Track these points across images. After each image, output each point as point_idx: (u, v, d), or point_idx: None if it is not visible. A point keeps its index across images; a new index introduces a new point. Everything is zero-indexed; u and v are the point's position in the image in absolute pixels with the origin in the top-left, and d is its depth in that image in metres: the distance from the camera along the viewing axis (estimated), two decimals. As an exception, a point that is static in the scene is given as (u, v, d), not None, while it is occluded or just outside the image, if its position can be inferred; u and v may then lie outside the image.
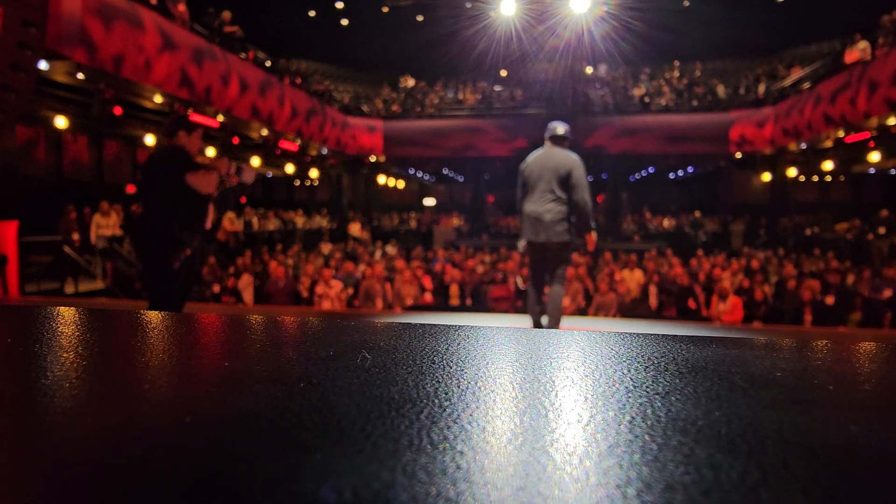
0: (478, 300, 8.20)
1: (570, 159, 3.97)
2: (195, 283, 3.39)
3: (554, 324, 4.06)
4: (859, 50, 10.44)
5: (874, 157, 12.13)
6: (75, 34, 6.70)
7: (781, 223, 15.60)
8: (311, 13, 18.56)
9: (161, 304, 3.14)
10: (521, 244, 4.19)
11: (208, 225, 3.35)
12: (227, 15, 10.55)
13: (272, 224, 14.76)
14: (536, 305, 4.21)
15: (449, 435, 0.45)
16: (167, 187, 3.14)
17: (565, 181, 3.94)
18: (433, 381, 0.60)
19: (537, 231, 3.97)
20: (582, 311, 7.32)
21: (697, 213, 18.40)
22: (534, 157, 4.12)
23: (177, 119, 3.39)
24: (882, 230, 12.67)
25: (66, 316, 0.97)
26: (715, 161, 16.73)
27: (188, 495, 0.36)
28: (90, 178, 10.95)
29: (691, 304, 7.55)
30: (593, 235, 4.11)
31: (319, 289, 7.34)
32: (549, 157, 4.03)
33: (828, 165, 14.07)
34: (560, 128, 4.12)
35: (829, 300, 7.40)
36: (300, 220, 16.37)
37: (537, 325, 4.21)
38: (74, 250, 8.15)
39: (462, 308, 8.04)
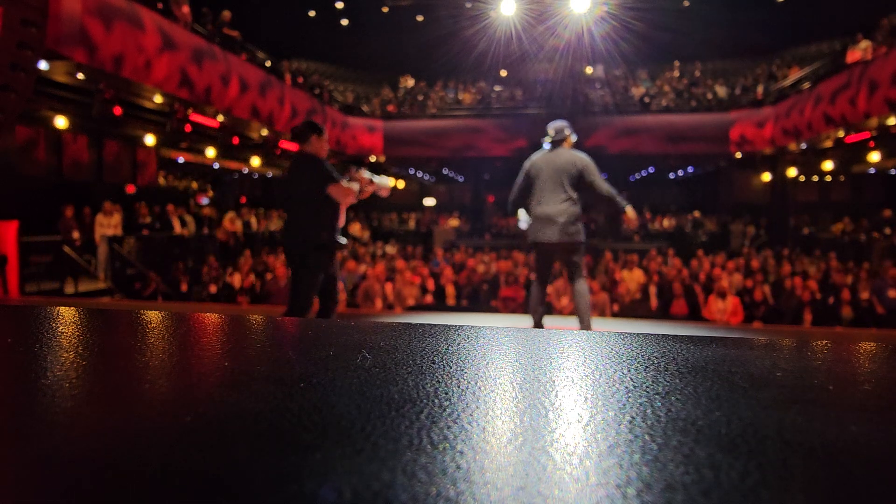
0: (477, 300, 8.19)
1: (579, 157, 3.99)
2: (335, 280, 3.53)
3: (587, 325, 4.02)
4: (861, 49, 10.44)
5: (874, 157, 12.14)
6: (75, 34, 6.70)
7: (782, 223, 15.62)
8: (311, 13, 18.56)
9: (301, 308, 3.24)
10: (524, 223, 4.13)
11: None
12: (226, 15, 10.54)
13: (272, 224, 14.76)
14: (540, 306, 4.19)
15: (449, 435, 0.45)
16: (312, 196, 3.25)
17: (578, 179, 3.94)
18: (433, 381, 0.60)
19: (551, 232, 3.92)
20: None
21: (697, 213, 18.40)
22: (539, 156, 4.10)
23: (308, 124, 3.42)
24: (888, 230, 12.68)
25: (66, 316, 0.97)
26: (715, 161, 16.72)
27: (188, 495, 0.36)
28: (90, 178, 10.95)
29: (683, 306, 7.53)
30: (629, 211, 4.04)
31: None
32: (557, 157, 4.01)
33: (828, 165, 14.07)
34: (552, 129, 4.12)
35: (832, 300, 7.40)
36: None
37: (538, 325, 4.20)
38: (74, 250, 8.15)
39: (463, 308, 8.04)
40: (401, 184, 23.32)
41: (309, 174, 3.28)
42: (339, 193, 3.26)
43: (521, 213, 4.22)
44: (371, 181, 3.43)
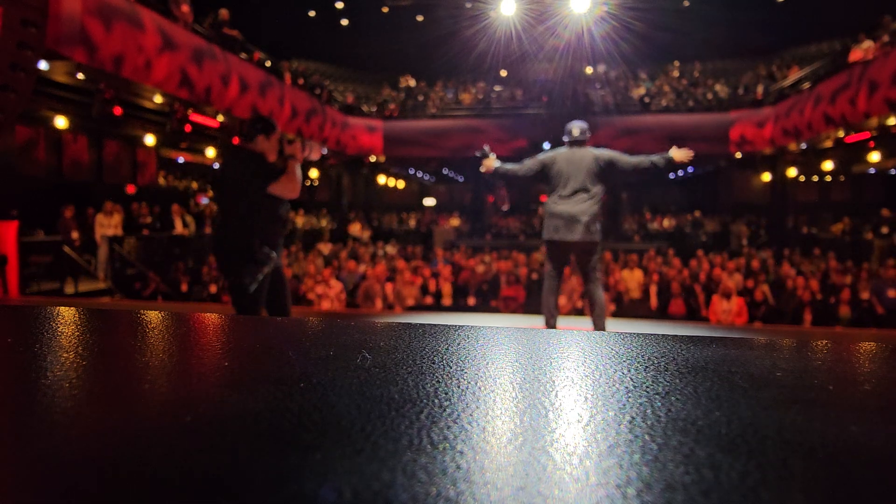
0: (477, 301, 8.19)
1: (598, 151, 4.02)
2: (284, 286, 3.19)
3: (601, 327, 4.04)
4: (863, 49, 10.43)
5: (874, 157, 12.15)
6: (75, 34, 6.70)
7: (782, 223, 15.62)
8: (311, 13, 18.56)
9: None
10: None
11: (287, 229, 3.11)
12: (224, 13, 10.52)
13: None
14: (555, 310, 4.15)
15: (449, 435, 0.45)
16: (245, 199, 2.85)
17: (606, 171, 3.96)
18: (433, 381, 0.60)
19: (574, 230, 3.90)
20: (579, 311, 7.31)
21: (697, 213, 18.39)
22: (560, 153, 4.07)
23: (255, 121, 3.06)
24: (885, 229, 12.68)
25: (66, 316, 0.97)
26: (715, 161, 16.72)
27: (188, 495, 0.36)
28: (90, 178, 10.95)
29: (682, 306, 7.51)
30: (675, 154, 4.03)
31: (319, 289, 7.34)
32: (580, 155, 4.00)
33: (828, 165, 14.08)
34: (577, 128, 4.11)
35: (832, 300, 7.40)
36: (300, 220, 16.37)
37: (551, 327, 4.17)
38: (74, 250, 8.15)
39: (464, 308, 8.04)
40: (401, 184, 23.34)
41: (244, 171, 2.87)
42: (284, 189, 2.89)
43: (493, 160, 4.08)
44: (303, 149, 3.10)
